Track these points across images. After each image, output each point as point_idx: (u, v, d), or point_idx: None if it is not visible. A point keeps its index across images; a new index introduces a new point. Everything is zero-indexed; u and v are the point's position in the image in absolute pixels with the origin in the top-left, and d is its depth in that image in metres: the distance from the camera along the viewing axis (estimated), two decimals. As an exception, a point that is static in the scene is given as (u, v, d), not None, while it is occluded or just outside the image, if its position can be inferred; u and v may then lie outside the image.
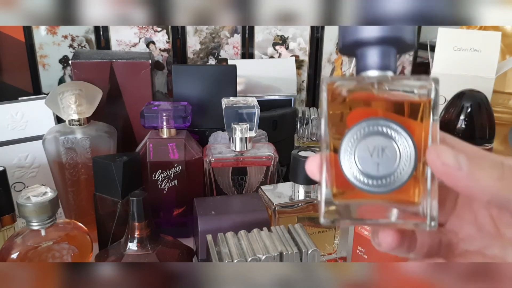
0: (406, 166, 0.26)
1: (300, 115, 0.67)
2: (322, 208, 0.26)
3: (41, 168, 0.64)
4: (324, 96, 0.27)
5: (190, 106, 0.63)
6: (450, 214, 0.30)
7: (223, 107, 0.59)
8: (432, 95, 0.26)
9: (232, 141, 0.60)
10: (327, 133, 0.27)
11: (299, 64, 0.86)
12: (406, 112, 0.27)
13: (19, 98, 0.65)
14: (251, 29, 0.82)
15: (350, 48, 0.28)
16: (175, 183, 0.61)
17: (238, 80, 0.69)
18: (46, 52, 0.76)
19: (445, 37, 0.76)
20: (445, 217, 0.30)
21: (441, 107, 0.72)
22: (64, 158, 0.60)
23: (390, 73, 0.28)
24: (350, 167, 0.26)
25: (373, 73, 0.28)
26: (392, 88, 0.27)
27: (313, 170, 0.27)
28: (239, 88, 0.74)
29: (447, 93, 0.73)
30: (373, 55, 0.28)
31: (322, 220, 0.26)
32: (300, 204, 0.54)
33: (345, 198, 0.27)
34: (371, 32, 0.27)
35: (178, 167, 0.60)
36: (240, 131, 0.59)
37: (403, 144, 0.26)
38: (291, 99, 0.77)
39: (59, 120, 0.64)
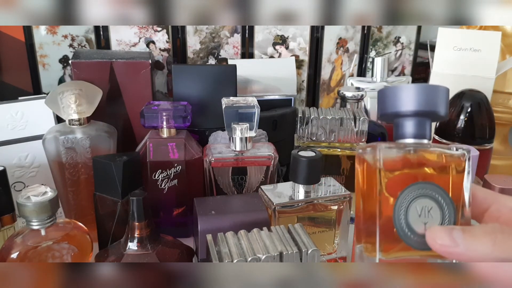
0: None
1: (300, 115, 0.67)
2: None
3: (41, 168, 0.64)
4: (381, 169, 0.30)
5: (190, 106, 0.63)
6: None
7: (223, 107, 0.59)
8: (467, 163, 0.30)
9: (232, 141, 0.60)
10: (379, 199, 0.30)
11: (299, 64, 0.86)
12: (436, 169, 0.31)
13: (19, 98, 0.65)
14: (251, 29, 0.82)
15: (389, 117, 0.32)
16: (175, 183, 0.61)
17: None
18: (46, 52, 0.76)
19: (445, 37, 0.76)
20: None
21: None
22: (64, 158, 0.60)
23: (425, 141, 0.31)
24: (401, 225, 0.30)
25: (409, 141, 0.31)
26: (427, 153, 0.30)
27: None
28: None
29: (447, 93, 0.73)
30: (410, 126, 0.31)
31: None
32: (300, 204, 0.54)
33: (392, 253, 0.30)
34: (408, 106, 0.30)
35: (178, 167, 0.60)
36: (240, 131, 0.59)
37: (446, 206, 0.30)
38: (291, 99, 0.77)
39: (59, 119, 0.64)
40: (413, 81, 0.91)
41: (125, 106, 0.69)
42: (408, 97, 0.30)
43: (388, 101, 0.31)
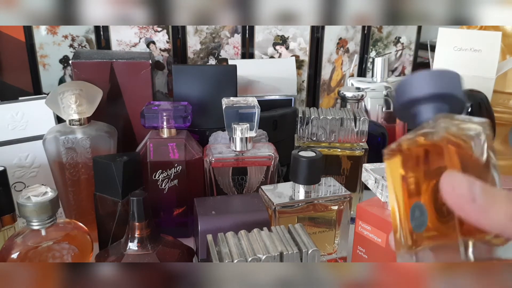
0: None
1: (300, 115, 0.67)
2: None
3: (41, 168, 0.64)
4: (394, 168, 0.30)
5: (190, 106, 0.63)
6: None
7: (223, 107, 0.59)
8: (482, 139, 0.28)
9: (232, 141, 0.60)
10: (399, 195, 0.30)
11: (299, 64, 0.86)
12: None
13: (20, 98, 0.65)
14: (251, 29, 0.82)
15: (409, 105, 0.30)
16: (175, 183, 0.61)
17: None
18: (47, 52, 0.77)
19: (445, 37, 0.76)
20: None
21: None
22: (65, 158, 0.60)
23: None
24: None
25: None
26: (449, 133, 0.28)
27: None
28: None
29: (447, 93, 0.73)
30: (427, 111, 0.30)
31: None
32: (300, 204, 0.54)
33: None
34: (425, 89, 0.29)
35: (178, 167, 0.60)
36: (240, 131, 0.59)
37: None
38: (292, 99, 0.77)
39: (59, 120, 0.64)
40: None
41: (125, 106, 0.69)
42: (422, 82, 0.29)
43: (402, 92, 0.30)
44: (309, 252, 0.41)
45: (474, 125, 0.28)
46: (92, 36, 0.78)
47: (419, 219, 0.28)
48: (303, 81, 0.87)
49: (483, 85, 0.71)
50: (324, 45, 0.86)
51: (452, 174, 0.26)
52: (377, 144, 0.73)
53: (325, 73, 0.88)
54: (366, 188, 0.68)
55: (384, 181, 0.49)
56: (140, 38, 0.79)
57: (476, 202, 0.25)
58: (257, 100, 0.60)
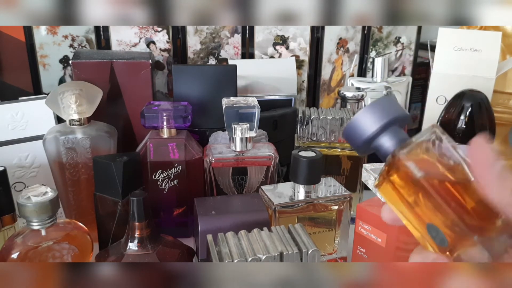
0: None
1: (300, 115, 0.67)
2: None
3: (41, 168, 0.64)
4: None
5: (190, 106, 0.63)
6: None
7: (224, 107, 0.59)
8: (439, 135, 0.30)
9: (233, 141, 0.60)
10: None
11: (299, 64, 0.85)
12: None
13: (20, 98, 0.65)
14: (252, 29, 0.82)
15: (366, 146, 0.32)
16: (175, 183, 0.61)
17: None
18: (47, 52, 0.76)
19: (445, 37, 0.76)
20: None
21: (441, 107, 0.72)
22: (65, 158, 0.60)
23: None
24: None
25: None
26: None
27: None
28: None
29: (447, 93, 0.73)
30: (386, 141, 0.32)
31: None
32: (300, 204, 0.54)
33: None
34: (374, 125, 0.31)
35: (178, 167, 0.60)
36: (240, 131, 0.59)
37: None
38: (292, 99, 0.77)
39: (59, 120, 0.64)
40: (413, 81, 0.91)
41: (125, 106, 0.69)
42: (368, 120, 0.31)
43: (353, 136, 0.32)
44: (309, 252, 0.41)
45: (428, 133, 0.30)
46: (92, 36, 0.78)
47: (437, 237, 0.29)
48: (303, 81, 0.87)
49: (483, 85, 0.71)
50: (324, 45, 0.86)
51: (481, 139, 0.28)
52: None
53: (325, 73, 0.88)
54: (366, 188, 0.68)
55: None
56: (140, 38, 0.79)
57: (495, 168, 0.27)
58: (257, 100, 0.60)
